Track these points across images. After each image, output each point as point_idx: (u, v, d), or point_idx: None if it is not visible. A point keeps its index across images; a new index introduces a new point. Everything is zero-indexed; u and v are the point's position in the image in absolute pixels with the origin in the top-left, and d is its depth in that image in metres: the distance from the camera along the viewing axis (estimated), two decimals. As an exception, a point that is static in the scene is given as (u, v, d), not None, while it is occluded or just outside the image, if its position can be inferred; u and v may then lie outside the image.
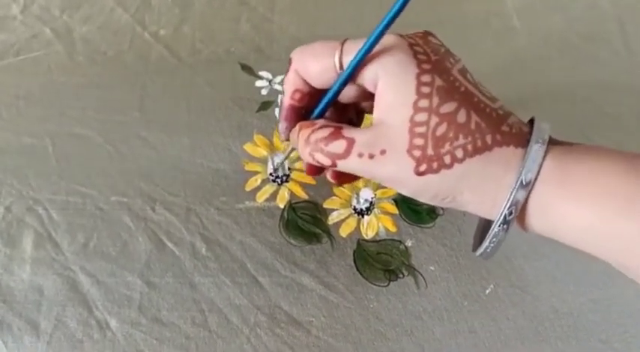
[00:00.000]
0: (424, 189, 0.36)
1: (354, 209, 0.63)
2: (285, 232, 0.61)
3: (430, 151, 0.34)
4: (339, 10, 0.81)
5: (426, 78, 0.34)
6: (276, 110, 0.70)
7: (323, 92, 0.41)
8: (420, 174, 0.34)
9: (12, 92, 0.71)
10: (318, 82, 0.40)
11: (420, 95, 0.34)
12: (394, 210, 0.63)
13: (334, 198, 0.64)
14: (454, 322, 0.56)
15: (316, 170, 0.44)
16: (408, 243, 0.61)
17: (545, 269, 0.59)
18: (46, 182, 0.64)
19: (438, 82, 0.34)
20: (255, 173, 0.65)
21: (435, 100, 0.34)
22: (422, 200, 0.38)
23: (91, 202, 0.62)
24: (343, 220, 0.62)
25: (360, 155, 0.35)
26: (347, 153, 0.36)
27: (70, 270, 0.58)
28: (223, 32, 0.78)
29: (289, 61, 0.41)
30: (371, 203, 0.64)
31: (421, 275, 0.59)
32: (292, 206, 0.63)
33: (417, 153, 0.34)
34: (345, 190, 0.64)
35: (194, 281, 0.58)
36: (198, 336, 0.55)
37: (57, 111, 0.70)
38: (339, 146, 0.36)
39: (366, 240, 0.61)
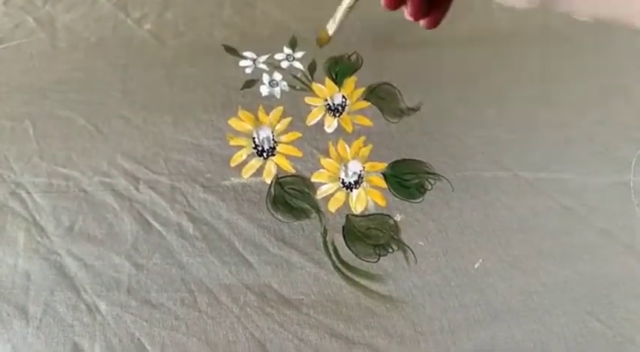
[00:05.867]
0: None
1: (343, 182, 0.63)
2: (272, 208, 0.61)
3: None
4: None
5: None
6: (262, 87, 0.69)
7: None
8: None
9: (-8, 79, 0.70)
10: None
11: None
12: (383, 184, 0.62)
13: (322, 170, 0.63)
14: (444, 297, 0.56)
15: (395, 2, 0.42)
16: (397, 218, 0.60)
17: (533, 244, 0.59)
18: (27, 164, 0.62)
19: None
20: (240, 147, 0.64)
21: None
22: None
23: (74, 184, 0.61)
24: (332, 194, 0.62)
25: None
26: None
27: (57, 254, 0.58)
28: (207, 17, 0.77)
29: None
30: (359, 176, 0.63)
31: (411, 250, 0.59)
32: (279, 181, 0.62)
33: None
34: (333, 162, 0.63)
35: (182, 262, 0.58)
36: (188, 317, 0.55)
37: (38, 94, 0.68)
38: None
39: (356, 215, 0.61)
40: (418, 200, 0.61)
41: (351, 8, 0.52)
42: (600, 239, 0.60)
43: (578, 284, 0.57)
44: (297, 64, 0.71)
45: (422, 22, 0.43)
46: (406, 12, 0.42)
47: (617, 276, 0.58)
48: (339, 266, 0.58)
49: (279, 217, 0.60)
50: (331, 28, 0.57)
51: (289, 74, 0.70)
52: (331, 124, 0.66)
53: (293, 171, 0.63)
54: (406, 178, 0.62)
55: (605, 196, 0.63)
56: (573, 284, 0.57)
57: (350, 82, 0.70)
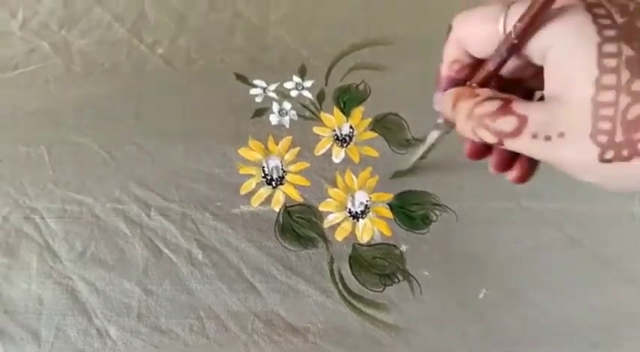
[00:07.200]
0: (613, 178, 0.29)
1: (349, 212, 0.64)
2: (280, 237, 0.62)
3: (620, 137, 0.27)
4: (331, 20, 0.80)
5: (609, 48, 0.27)
6: (271, 116, 0.70)
7: (484, 63, 0.35)
8: (605, 161, 0.28)
9: (8, 103, 0.71)
10: (480, 51, 0.35)
11: (604, 70, 0.27)
12: (389, 214, 0.63)
13: (329, 200, 0.64)
14: (448, 327, 0.57)
15: (479, 152, 0.38)
16: (403, 248, 0.61)
17: (538, 274, 0.60)
18: (42, 190, 0.64)
19: (627, 51, 0.27)
20: (250, 176, 0.65)
21: (625, 76, 0.27)
22: (610, 189, 0.31)
23: (87, 210, 0.63)
24: (339, 224, 0.63)
25: (535, 136, 0.30)
26: (518, 132, 0.30)
27: (69, 279, 0.59)
28: (218, 43, 0.78)
29: (448, 29, 0.36)
30: (366, 206, 0.64)
31: (416, 280, 0.59)
32: (287, 209, 0.64)
33: (603, 138, 0.28)
34: (340, 192, 0.65)
35: (191, 288, 0.59)
36: (196, 344, 0.56)
37: (53, 120, 0.70)
38: (508, 123, 0.31)
39: (362, 244, 0.62)
40: (424, 231, 0.62)
41: (432, 146, 0.50)
42: (606, 270, 0.60)
43: (583, 315, 0.58)
44: (306, 93, 0.73)
45: (508, 176, 0.40)
46: (490, 164, 0.38)
47: (623, 308, 0.59)
48: (346, 295, 0.59)
49: (287, 245, 0.62)
50: (409, 161, 0.58)
51: (298, 103, 0.72)
52: (339, 154, 0.68)
53: (301, 200, 0.64)
54: (412, 209, 0.63)
55: (611, 226, 0.63)
56: (579, 315, 0.58)
57: (357, 112, 0.71)
